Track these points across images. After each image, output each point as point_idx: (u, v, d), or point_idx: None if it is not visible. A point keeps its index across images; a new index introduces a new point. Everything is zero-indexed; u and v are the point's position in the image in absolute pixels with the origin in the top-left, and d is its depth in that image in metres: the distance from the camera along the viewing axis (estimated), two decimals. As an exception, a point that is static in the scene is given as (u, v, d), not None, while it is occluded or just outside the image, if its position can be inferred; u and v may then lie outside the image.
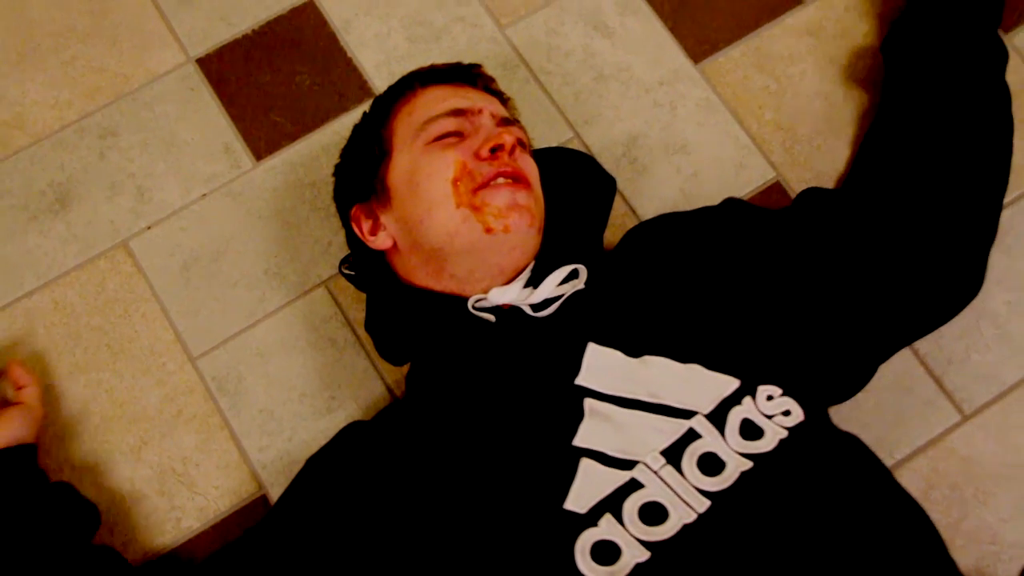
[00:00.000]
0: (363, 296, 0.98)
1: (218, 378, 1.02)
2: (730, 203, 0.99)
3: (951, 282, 0.94)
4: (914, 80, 1.01)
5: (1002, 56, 1.01)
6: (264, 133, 1.12)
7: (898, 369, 0.99)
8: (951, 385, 1.01)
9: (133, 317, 1.05)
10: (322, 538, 0.81)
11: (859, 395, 0.97)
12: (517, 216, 0.85)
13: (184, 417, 1.01)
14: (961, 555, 0.94)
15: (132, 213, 1.09)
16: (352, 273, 0.96)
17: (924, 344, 1.02)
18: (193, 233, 1.08)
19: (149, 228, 1.08)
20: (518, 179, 0.86)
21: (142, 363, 1.03)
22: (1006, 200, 1.06)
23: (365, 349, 1.03)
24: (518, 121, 0.95)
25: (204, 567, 0.88)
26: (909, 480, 0.96)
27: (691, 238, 0.94)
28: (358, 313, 1.04)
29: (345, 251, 0.99)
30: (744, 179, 1.09)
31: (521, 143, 0.91)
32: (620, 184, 1.08)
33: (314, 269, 1.06)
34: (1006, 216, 1.06)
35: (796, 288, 0.89)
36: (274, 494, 0.98)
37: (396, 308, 0.91)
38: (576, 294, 0.86)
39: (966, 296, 0.95)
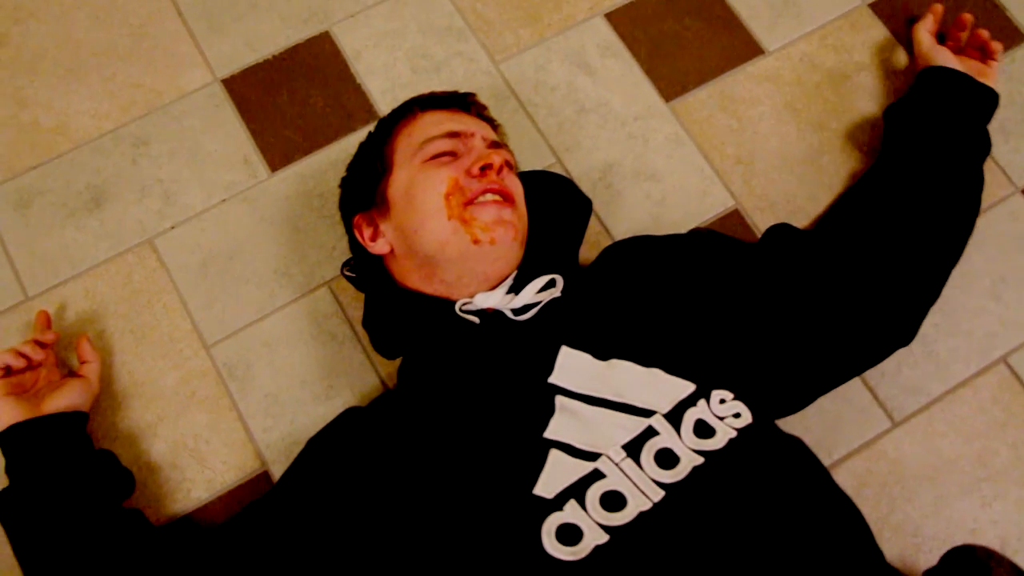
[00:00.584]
0: (362, 296, 1.00)
1: (229, 364, 1.04)
2: (697, 232, 1.00)
3: (889, 331, 0.96)
4: (904, 151, 1.03)
5: (986, 148, 1.04)
6: (279, 147, 1.13)
7: (837, 380, 1.02)
8: (884, 395, 1.03)
9: (155, 307, 1.06)
10: (318, 513, 0.82)
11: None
12: (502, 230, 0.86)
13: (197, 398, 1.02)
14: (888, 546, 0.96)
15: (158, 214, 1.10)
16: (353, 275, 0.97)
17: (860, 358, 1.04)
18: (212, 234, 1.09)
19: (173, 228, 1.09)
20: (504, 196, 0.88)
21: (161, 348, 1.04)
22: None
23: (362, 344, 1.04)
24: (506, 145, 0.96)
25: (214, 534, 0.88)
26: (844, 478, 0.98)
27: (660, 258, 0.95)
28: (357, 312, 1.05)
29: (347, 255, 1.00)
30: (706, 206, 1.11)
31: (508, 164, 0.92)
32: (596, 206, 1.09)
33: (319, 271, 1.07)
34: (938, 248, 1.10)
35: (751, 309, 0.90)
36: (276, 471, 0.99)
37: (391, 308, 0.92)
38: (553, 301, 0.87)
39: (898, 344, 0.97)
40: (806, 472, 0.80)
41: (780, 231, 1.02)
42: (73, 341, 1.02)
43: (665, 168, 1.13)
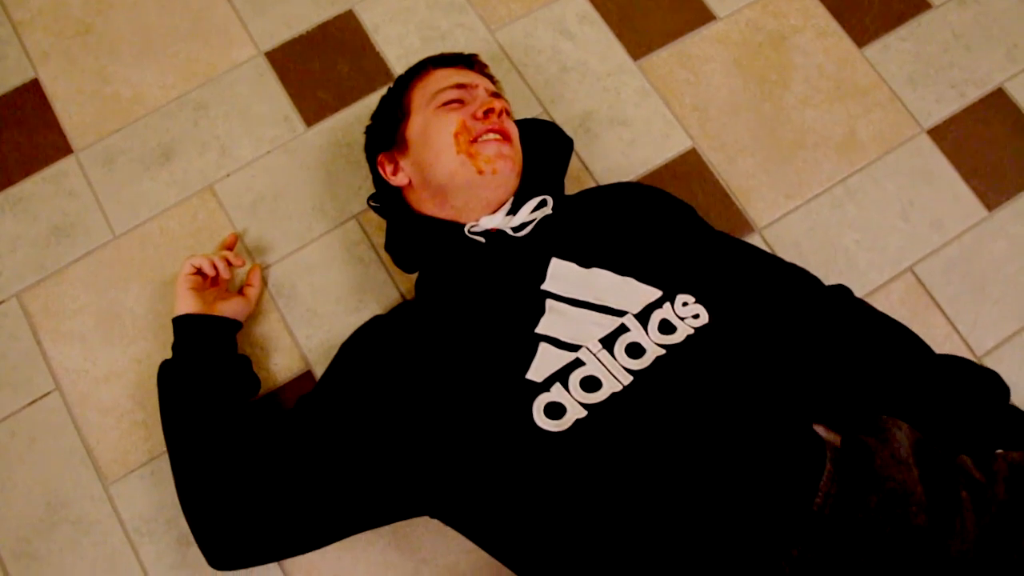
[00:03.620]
0: (383, 227, 0.86)
1: (277, 285, 0.91)
2: (688, 207, 0.82)
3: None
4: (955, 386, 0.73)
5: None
6: (313, 107, 0.98)
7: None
8: (813, 299, 0.90)
9: (216, 240, 0.92)
10: (353, 401, 0.72)
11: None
12: (502, 162, 0.75)
13: (252, 313, 0.89)
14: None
15: (216, 165, 0.95)
16: (376, 205, 0.84)
17: (795, 269, 0.91)
18: (260, 179, 0.95)
19: (228, 176, 0.95)
20: (504, 135, 0.77)
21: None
22: (859, 165, 0.94)
23: (384, 265, 0.91)
24: (504, 96, 0.83)
25: (280, 424, 0.77)
26: None
27: (652, 200, 0.82)
28: (379, 239, 0.91)
29: (371, 192, 0.87)
30: (668, 146, 0.95)
31: (507, 111, 0.80)
32: (576, 147, 0.95)
33: (348, 206, 0.93)
34: (856, 179, 0.93)
35: (715, 253, 0.77)
36: (317, 370, 0.87)
37: (409, 231, 0.80)
38: (545, 218, 0.76)
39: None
40: (753, 363, 0.69)
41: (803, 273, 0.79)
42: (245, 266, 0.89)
43: (634, 115, 0.97)
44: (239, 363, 0.82)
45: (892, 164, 0.95)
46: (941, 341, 0.88)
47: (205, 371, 0.78)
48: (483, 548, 0.71)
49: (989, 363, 0.88)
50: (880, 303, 0.89)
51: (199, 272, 0.84)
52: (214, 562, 0.75)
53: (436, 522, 0.81)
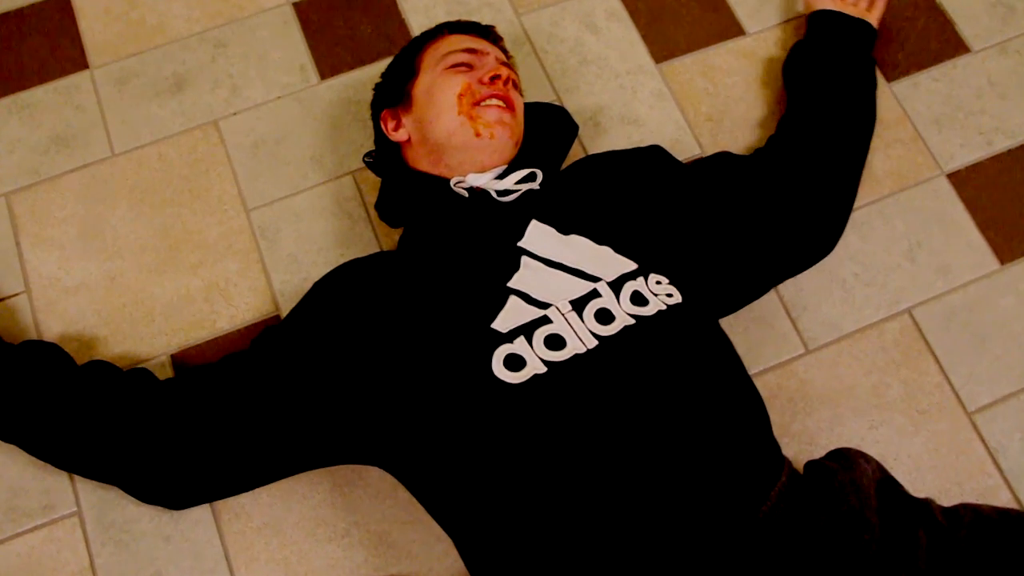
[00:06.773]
0: (375, 188, 0.87)
1: (262, 227, 0.91)
2: (657, 148, 0.86)
3: (810, 239, 0.83)
4: (802, 89, 0.91)
5: (869, 69, 0.92)
6: (330, 61, 0.99)
7: (765, 308, 0.87)
8: (802, 326, 0.88)
9: (211, 174, 0.94)
10: (319, 336, 0.72)
11: (733, 321, 0.85)
12: (500, 129, 0.76)
13: (233, 250, 0.90)
14: (784, 449, 0.79)
15: (225, 102, 0.97)
16: (371, 160, 0.85)
17: (787, 292, 0.89)
18: (265, 122, 0.96)
19: (235, 114, 0.97)
20: (507, 103, 0.78)
21: (211, 206, 0.92)
22: (869, 199, 0.93)
23: (372, 224, 0.91)
24: (515, 69, 0.84)
25: (242, 354, 0.75)
26: (759, 389, 0.81)
27: (623, 166, 0.83)
28: (371, 198, 0.92)
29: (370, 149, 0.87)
30: (677, 151, 0.94)
31: (514, 81, 0.81)
32: (584, 139, 0.95)
33: (347, 162, 0.94)
34: (864, 212, 0.92)
35: (692, 212, 0.79)
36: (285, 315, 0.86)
37: (401, 185, 0.81)
38: (531, 191, 0.76)
39: (820, 254, 0.84)
40: (722, 355, 0.70)
41: (723, 156, 0.88)
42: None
43: (647, 116, 0.97)
44: (25, 349, 0.76)
45: (905, 202, 0.93)
46: (930, 390, 0.86)
47: (13, 390, 0.72)
48: (422, 503, 0.70)
49: (980, 422, 0.85)
50: (872, 341, 0.87)
51: None
52: (171, 506, 0.75)
53: (375, 487, 0.80)
